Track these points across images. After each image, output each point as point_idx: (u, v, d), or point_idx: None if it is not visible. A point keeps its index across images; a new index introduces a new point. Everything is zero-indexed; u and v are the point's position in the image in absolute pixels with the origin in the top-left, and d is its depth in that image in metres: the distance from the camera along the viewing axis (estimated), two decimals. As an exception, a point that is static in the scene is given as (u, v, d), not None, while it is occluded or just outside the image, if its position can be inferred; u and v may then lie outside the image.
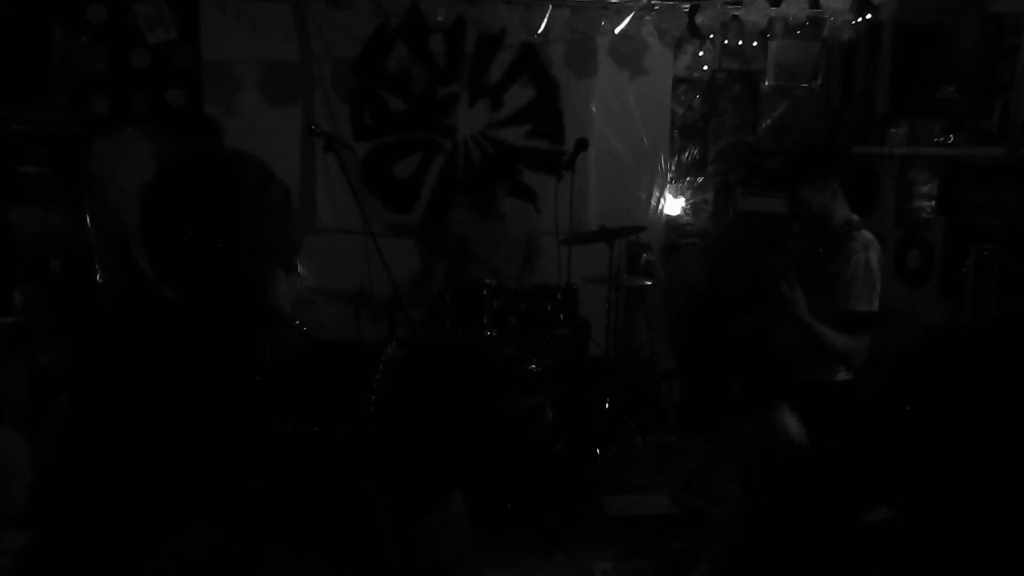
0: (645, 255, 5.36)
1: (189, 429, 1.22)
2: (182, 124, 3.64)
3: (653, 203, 5.38)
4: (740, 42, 5.09)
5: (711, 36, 5.01)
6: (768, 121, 5.41)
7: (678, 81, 5.30)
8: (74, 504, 1.33)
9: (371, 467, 1.17)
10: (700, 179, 5.48)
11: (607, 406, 4.55)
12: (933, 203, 4.66)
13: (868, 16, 4.23)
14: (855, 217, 2.87)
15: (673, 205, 5.43)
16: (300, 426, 1.17)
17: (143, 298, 3.39)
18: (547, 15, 4.66)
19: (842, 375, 2.86)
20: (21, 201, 4.43)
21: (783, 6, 4.39)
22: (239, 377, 1.21)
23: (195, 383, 1.24)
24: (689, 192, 5.49)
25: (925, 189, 4.73)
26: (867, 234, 2.81)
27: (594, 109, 5.14)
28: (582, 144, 4.20)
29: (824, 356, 2.78)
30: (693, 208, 5.51)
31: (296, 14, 4.74)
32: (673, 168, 5.41)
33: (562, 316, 4.16)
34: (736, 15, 4.70)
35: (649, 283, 4.84)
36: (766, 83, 5.35)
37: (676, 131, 5.37)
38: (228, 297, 1.24)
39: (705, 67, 5.31)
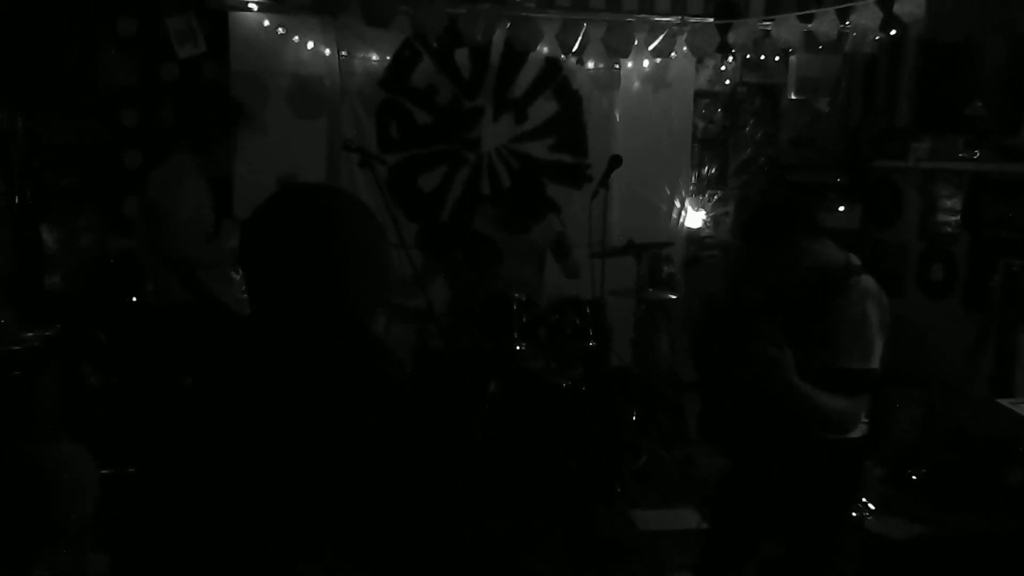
0: (666, 268, 5.39)
1: (280, 455, 1.23)
2: (208, 109, 3.69)
3: (675, 216, 5.40)
4: (762, 56, 5.12)
5: (747, 55, 5.05)
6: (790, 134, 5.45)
7: (700, 95, 5.35)
8: (155, 529, 1.34)
9: (478, 504, 1.18)
10: (721, 192, 5.51)
11: (633, 418, 4.56)
12: (957, 217, 4.68)
13: (893, 32, 4.26)
14: (854, 260, 2.52)
15: (694, 218, 5.46)
16: (407, 461, 1.18)
17: (213, 319, 3.42)
18: (582, 33, 4.69)
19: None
20: (53, 213, 4.45)
21: (814, 23, 4.43)
22: (339, 407, 1.22)
23: (289, 409, 1.25)
24: (710, 205, 5.51)
25: (948, 203, 4.75)
26: (867, 280, 2.44)
27: (617, 123, 5.18)
28: (616, 161, 4.21)
29: (814, 419, 2.45)
30: (714, 221, 5.54)
31: (324, 27, 4.77)
32: (694, 181, 5.44)
33: (591, 330, 4.18)
34: (768, 30, 4.73)
35: (674, 297, 4.85)
36: (788, 97, 5.39)
37: (698, 144, 5.40)
38: (328, 330, 1.25)
39: (727, 81, 5.34)
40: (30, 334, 3.87)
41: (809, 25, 4.53)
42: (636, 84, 5.23)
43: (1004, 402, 3.36)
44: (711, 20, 4.85)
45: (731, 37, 4.70)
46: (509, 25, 4.67)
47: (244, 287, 1.36)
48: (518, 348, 4.07)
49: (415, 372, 3.43)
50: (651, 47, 4.90)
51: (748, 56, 5.18)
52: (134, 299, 4.10)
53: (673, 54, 4.98)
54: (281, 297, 1.25)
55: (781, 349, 2.28)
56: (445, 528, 1.25)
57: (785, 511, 2.54)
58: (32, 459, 1.95)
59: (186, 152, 3.62)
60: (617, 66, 5.09)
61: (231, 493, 1.25)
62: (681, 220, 5.41)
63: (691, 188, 5.42)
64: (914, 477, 4.29)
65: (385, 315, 1.04)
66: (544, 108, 5.10)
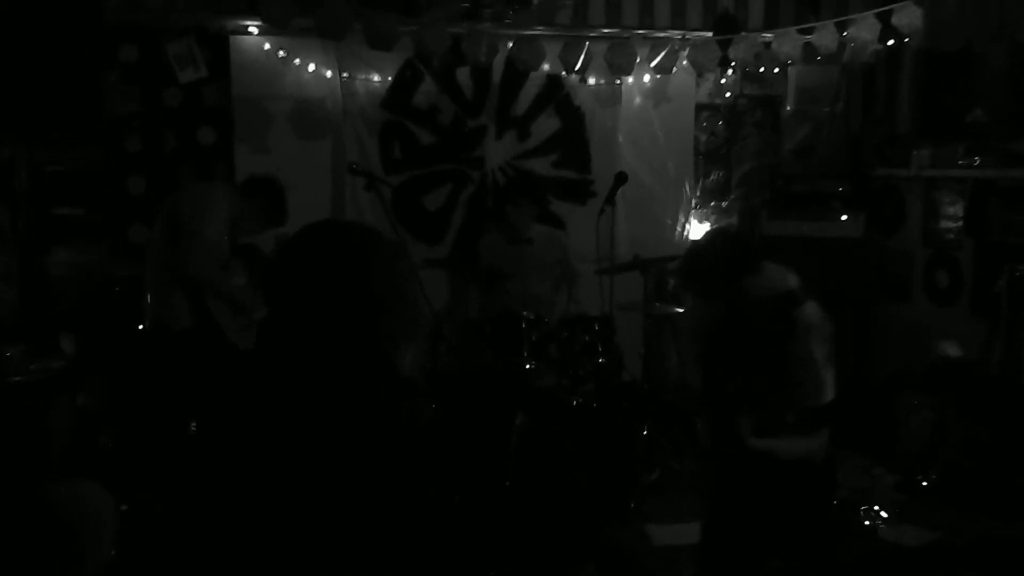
0: (672, 281, 5.39)
1: (307, 490, 1.23)
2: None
3: (679, 228, 5.41)
4: (762, 68, 5.14)
5: (747, 68, 5.07)
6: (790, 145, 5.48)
7: (701, 108, 5.38)
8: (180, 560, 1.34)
9: (502, 536, 1.19)
10: (724, 204, 5.52)
11: (645, 432, 4.54)
12: (960, 223, 4.70)
13: (891, 42, 4.28)
14: (794, 283, 2.43)
15: (698, 230, 5.47)
16: (437, 494, 1.19)
17: (215, 346, 3.41)
18: (584, 50, 4.71)
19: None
20: (57, 243, 4.45)
21: (815, 36, 4.46)
22: (371, 442, 1.22)
23: (320, 443, 1.24)
24: (714, 217, 5.52)
25: (951, 210, 4.77)
26: (809, 311, 2.36)
27: (619, 138, 5.19)
28: (622, 178, 4.23)
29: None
30: (718, 232, 5.55)
31: (325, 49, 4.78)
32: (698, 194, 5.45)
33: (600, 346, 4.18)
34: (768, 43, 4.75)
35: (681, 310, 4.85)
36: (788, 108, 5.41)
37: (700, 157, 5.42)
38: (357, 365, 1.25)
39: (727, 93, 5.37)
40: (38, 365, 3.87)
41: (808, 37, 4.55)
42: (637, 99, 5.25)
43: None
44: (711, 35, 4.88)
45: (732, 52, 4.72)
46: (511, 44, 4.69)
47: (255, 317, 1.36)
48: (528, 366, 4.07)
49: (432, 394, 3.41)
50: (653, 64, 4.92)
51: (748, 69, 5.20)
52: (141, 327, 4.09)
53: (674, 69, 5.00)
54: (313, 332, 1.25)
55: (738, 418, 2.30)
56: (477, 559, 1.25)
57: (768, 524, 2.52)
58: (49, 498, 1.93)
59: (222, 184, 3.64)
60: (618, 82, 5.11)
61: (253, 524, 1.25)
62: (686, 233, 5.41)
63: (695, 200, 5.43)
64: (925, 483, 4.29)
65: (412, 352, 1.04)
66: (547, 125, 5.12)
